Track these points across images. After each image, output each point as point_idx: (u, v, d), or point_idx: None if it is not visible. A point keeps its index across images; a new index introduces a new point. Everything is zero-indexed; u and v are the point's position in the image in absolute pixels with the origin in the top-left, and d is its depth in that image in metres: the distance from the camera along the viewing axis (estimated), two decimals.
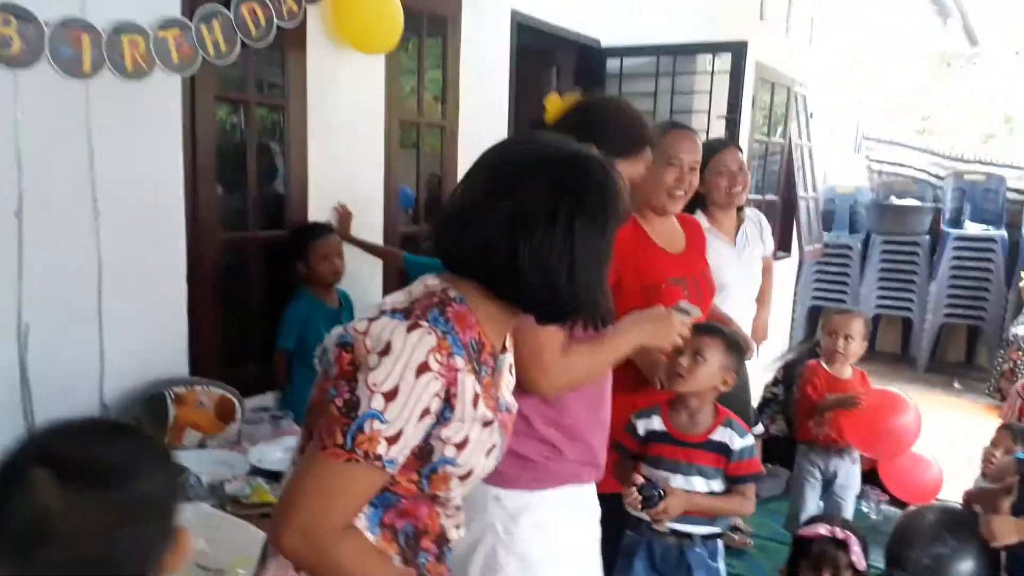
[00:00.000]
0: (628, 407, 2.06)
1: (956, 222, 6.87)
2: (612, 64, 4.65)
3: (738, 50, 4.25)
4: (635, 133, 1.72)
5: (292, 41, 2.78)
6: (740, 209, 3.33)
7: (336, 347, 1.07)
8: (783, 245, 6.36)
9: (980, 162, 7.06)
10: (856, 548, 2.18)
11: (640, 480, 2.04)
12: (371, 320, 1.06)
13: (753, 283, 3.39)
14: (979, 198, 6.87)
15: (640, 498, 2.01)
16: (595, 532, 1.84)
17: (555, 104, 1.69)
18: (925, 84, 16.84)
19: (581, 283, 1.10)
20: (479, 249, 1.10)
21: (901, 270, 6.96)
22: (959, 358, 7.20)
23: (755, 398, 4.22)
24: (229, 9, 2.50)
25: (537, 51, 4.55)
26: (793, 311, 7.26)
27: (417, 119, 3.56)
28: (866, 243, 7.11)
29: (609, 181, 1.13)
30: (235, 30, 2.51)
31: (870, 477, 3.91)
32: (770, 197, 6.02)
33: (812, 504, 3.15)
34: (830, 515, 2.83)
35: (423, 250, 3.41)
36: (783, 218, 6.17)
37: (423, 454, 1.10)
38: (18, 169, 2.07)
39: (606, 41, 4.63)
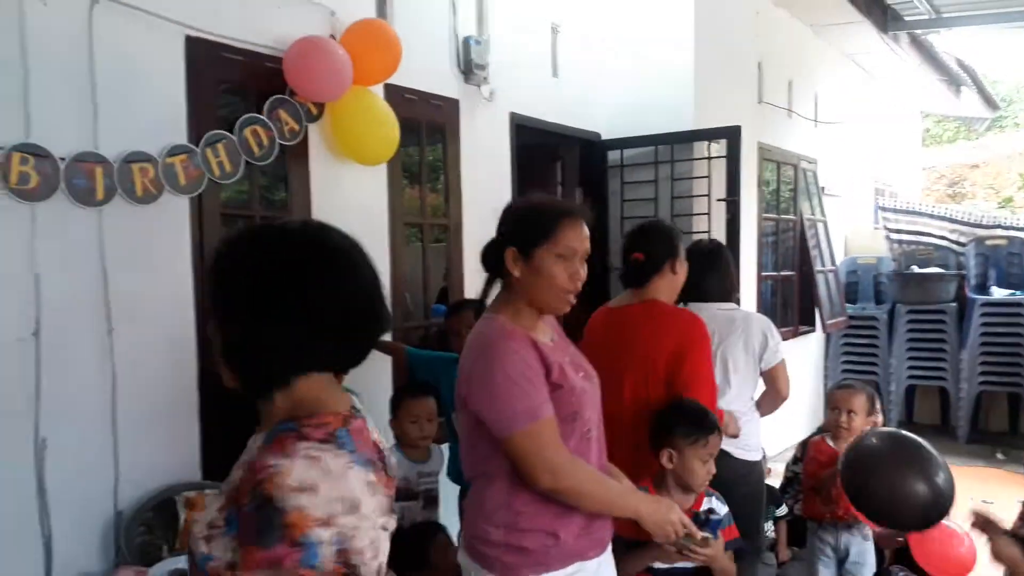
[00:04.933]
0: None
1: (982, 288, 6.78)
2: (613, 155, 4.81)
3: (733, 135, 4.38)
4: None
5: (294, 157, 2.98)
6: None
7: None
8: (804, 319, 6.35)
9: (1000, 226, 7.00)
10: None
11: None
12: None
13: None
14: (1003, 262, 6.80)
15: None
16: None
17: None
18: (948, 149, 16.88)
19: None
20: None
21: (930, 339, 6.85)
22: (1002, 427, 6.98)
23: (777, 478, 4.16)
24: (233, 133, 2.70)
25: (541, 146, 4.75)
26: (825, 386, 7.15)
27: (421, 220, 3.73)
28: (892, 313, 7.03)
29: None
30: (239, 151, 2.71)
31: (901, 557, 3.79)
32: (786, 273, 6.06)
33: None
34: None
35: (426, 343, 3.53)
36: (801, 293, 6.18)
37: None
38: (36, 293, 2.24)
39: (606, 134, 4.82)
